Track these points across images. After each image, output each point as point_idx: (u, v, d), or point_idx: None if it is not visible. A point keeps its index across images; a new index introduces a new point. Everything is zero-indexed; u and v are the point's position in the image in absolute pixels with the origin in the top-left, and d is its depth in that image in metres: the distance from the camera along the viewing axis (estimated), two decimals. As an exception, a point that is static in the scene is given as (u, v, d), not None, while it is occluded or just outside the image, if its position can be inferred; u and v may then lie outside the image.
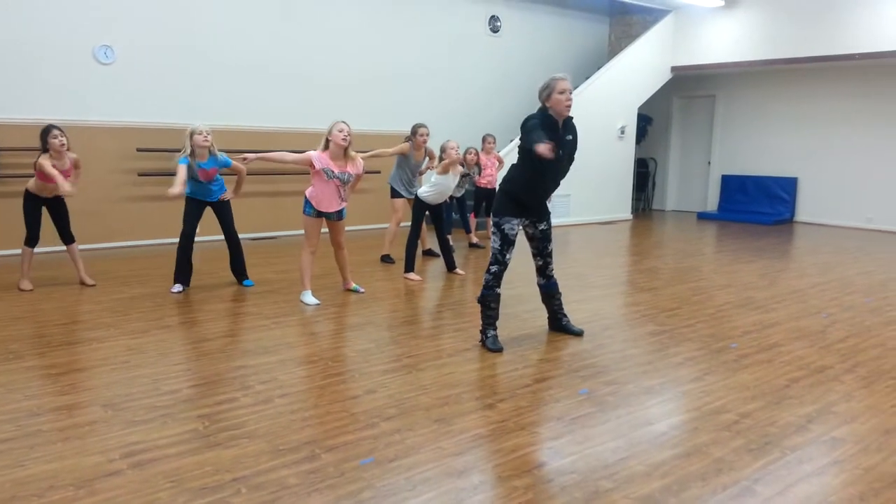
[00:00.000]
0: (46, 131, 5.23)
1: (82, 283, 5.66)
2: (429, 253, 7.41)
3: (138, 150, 7.57)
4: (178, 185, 5.09)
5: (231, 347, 4.20)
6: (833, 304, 5.55)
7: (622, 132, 11.09)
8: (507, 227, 4.16)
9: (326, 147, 5.05)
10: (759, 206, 11.39)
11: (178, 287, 5.53)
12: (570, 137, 4.11)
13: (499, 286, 4.25)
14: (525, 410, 3.31)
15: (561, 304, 4.59)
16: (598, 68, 10.93)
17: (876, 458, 2.88)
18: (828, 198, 10.83)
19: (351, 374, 3.77)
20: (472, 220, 8.35)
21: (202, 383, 3.58)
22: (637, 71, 11.03)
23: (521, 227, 4.24)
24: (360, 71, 9.27)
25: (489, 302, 4.25)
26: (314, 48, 8.88)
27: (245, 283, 5.85)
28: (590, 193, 10.43)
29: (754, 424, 3.19)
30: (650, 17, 11.43)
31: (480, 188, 8.17)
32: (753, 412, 3.33)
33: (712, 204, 12.28)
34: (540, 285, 4.56)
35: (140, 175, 7.65)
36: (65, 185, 5.16)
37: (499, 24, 10.76)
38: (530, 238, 4.41)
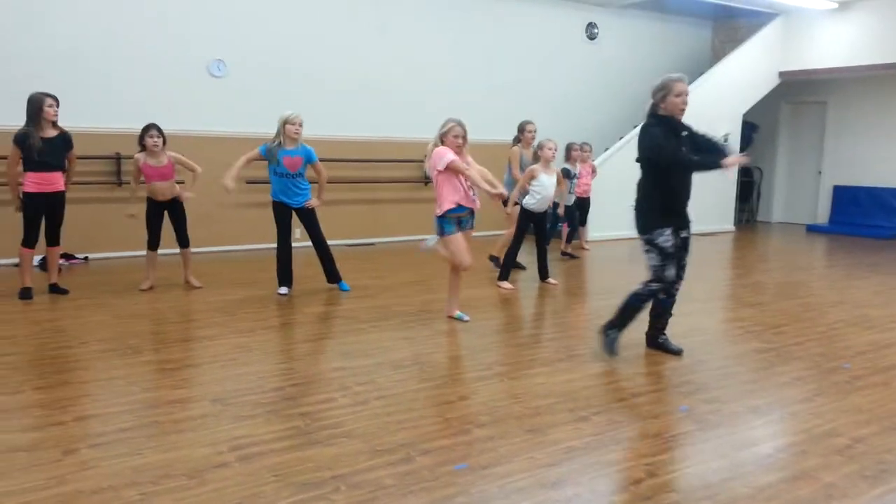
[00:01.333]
0: (145, 130, 5.60)
1: (188, 284, 5.99)
2: (517, 265, 7.32)
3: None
4: (230, 179, 5.38)
5: (331, 349, 4.35)
6: (961, 326, 5.12)
7: (726, 140, 10.64)
8: (661, 240, 3.95)
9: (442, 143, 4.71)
10: (873, 219, 10.66)
11: (283, 289, 5.73)
12: (686, 133, 4.01)
13: (648, 302, 4.12)
14: (621, 425, 3.24)
15: (667, 323, 4.35)
16: (701, 74, 10.57)
17: None
18: (955, 210, 10.01)
19: (444, 379, 3.82)
20: (564, 230, 8.25)
21: (303, 382, 3.72)
22: (742, 76, 10.60)
23: (674, 238, 4.01)
24: (459, 82, 9.38)
25: (631, 311, 4.12)
26: (408, 61, 9.07)
27: (341, 286, 5.96)
28: (690, 203, 10.05)
29: (869, 450, 2.99)
30: (756, 21, 10.96)
31: (575, 197, 8.07)
32: (868, 437, 3.13)
33: (823, 216, 11.60)
34: (657, 300, 4.22)
35: (248, 183, 8.05)
36: (185, 193, 5.57)
37: (596, 30, 10.62)
38: None
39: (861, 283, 6.83)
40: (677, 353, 4.28)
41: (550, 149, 6.01)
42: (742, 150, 11.23)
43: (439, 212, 4.70)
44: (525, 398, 3.56)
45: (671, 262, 3.97)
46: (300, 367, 3.99)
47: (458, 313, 4.98)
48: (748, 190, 12.39)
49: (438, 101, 9.23)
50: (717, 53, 11.63)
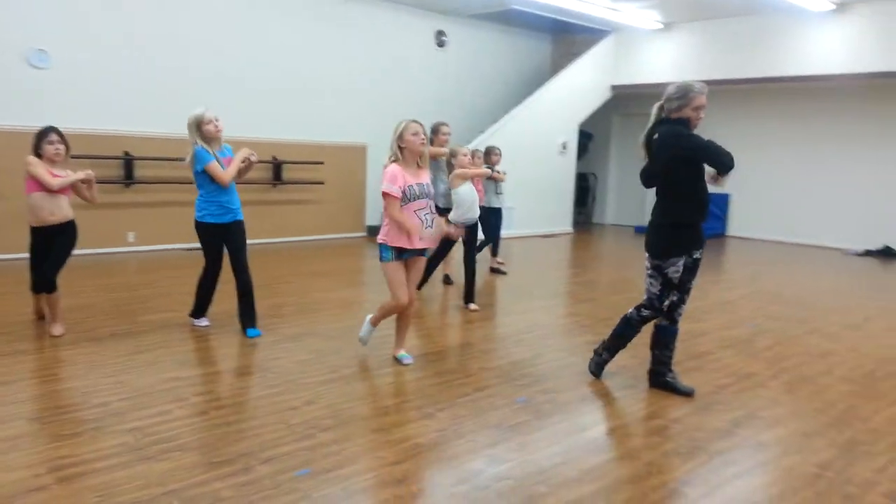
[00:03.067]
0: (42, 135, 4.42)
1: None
2: (448, 281, 6.71)
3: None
4: (230, 172, 4.49)
5: (166, 359, 4.10)
6: (760, 314, 5.79)
7: (564, 147, 11.34)
8: (670, 270, 3.59)
9: (397, 158, 3.86)
10: (693, 220, 11.78)
11: (204, 321, 4.83)
12: None
13: (639, 329, 3.84)
14: (464, 419, 3.34)
15: (672, 356, 3.83)
16: (541, 85, 11.16)
17: (796, 459, 3.02)
18: (758, 213, 11.30)
19: (289, 385, 3.73)
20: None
21: (134, 396, 3.48)
22: (578, 89, 11.32)
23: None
24: (306, 81, 9.22)
25: (623, 338, 3.87)
26: (260, 59, 8.80)
27: (250, 332, 4.62)
28: (532, 206, 10.59)
29: (683, 430, 3.30)
30: (591, 37, 11.74)
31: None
32: (683, 418, 3.45)
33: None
34: (658, 328, 3.80)
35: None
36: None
37: (445, 38, 10.88)
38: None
39: (680, 279, 7.50)
40: (689, 393, 3.74)
41: (465, 155, 5.31)
42: (578, 157, 12.01)
43: (379, 238, 3.95)
44: (372, 399, 3.57)
45: (671, 292, 3.65)
46: (130, 379, 3.73)
47: (400, 354, 4.19)
48: (584, 194, 13.25)
49: (289, 101, 9.03)
50: (555, 66, 12.32)
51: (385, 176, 3.84)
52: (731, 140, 11.38)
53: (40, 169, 4.31)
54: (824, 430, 3.33)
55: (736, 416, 3.49)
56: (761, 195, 11.21)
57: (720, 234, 11.59)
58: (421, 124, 3.88)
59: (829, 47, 9.39)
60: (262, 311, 4.96)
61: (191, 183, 4.58)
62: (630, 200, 13.11)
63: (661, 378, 3.82)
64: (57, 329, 4.50)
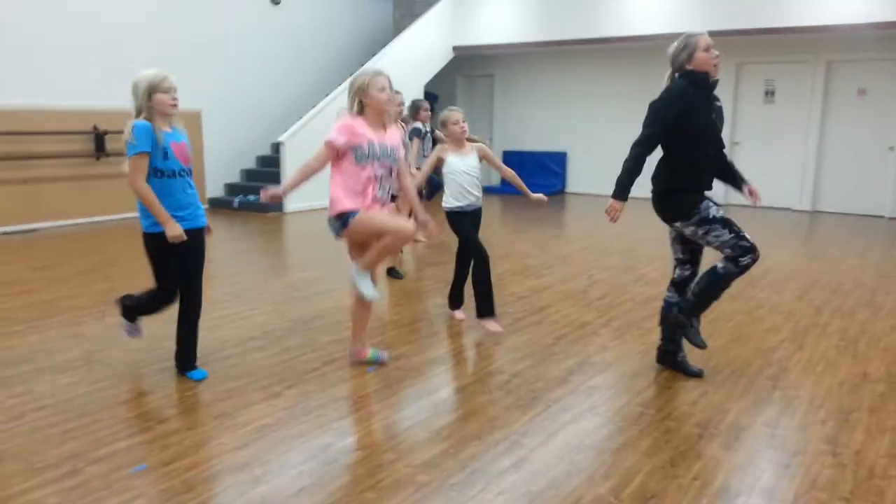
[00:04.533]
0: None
1: None
2: (394, 273, 5.77)
3: None
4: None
5: (-25, 360, 3.69)
6: (594, 266, 6.19)
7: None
8: (712, 211, 3.24)
9: (361, 112, 3.39)
10: (535, 179, 12.30)
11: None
12: (719, 103, 3.42)
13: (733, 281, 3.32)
14: (313, 394, 3.30)
15: (690, 330, 3.48)
16: (383, 46, 11.04)
17: (624, 400, 3.28)
18: (592, 170, 11.99)
19: (122, 377, 3.50)
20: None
21: (-64, 405, 3.11)
22: (421, 50, 11.30)
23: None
24: (129, 41, 8.46)
25: (718, 289, 3.34)
26: (69, 17, 7.95)
27: (192, 374, 3.50)
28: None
29: (523, 382, 3.48)
30: (430, -3, 11.74)
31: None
32: (523, 371, 3.64)
33: (495, 178, 13.04)
34: (671, 304, 3.52)
35: None
36: None
37: (279, -5, 10.41)
38: (684, 240, 3.46)
39: (524, 236, 7.85)
40: (698, 374, 3.55)
41: (456, 122, 4.23)
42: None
43: (332, 212, 3.38)
44: (214, 382, 3.43)
45: (736, 225, 3.25)
46: (-68, 386, 3.33)
47: (370, 353, 3.72)
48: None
49: (104, 62, 8.24)
50: (397, 27, 12.21)
51: (335, 125, 3.33)
52: (567, 99, 12.01)
53: None
54: (647, 371, 3.64)
55: (571, 365, 3.73)
56: (594, 152, 11.88)
57: (560, 191, 12.20)
58: (388, 77, 3.39)
59: (652, 9, 10.02)
60: (91, 299, 4.58)
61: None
62: (476, 160, 13.42)
63: (673, 357, 3.60)
64: None
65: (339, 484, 2.52)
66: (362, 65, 10.56)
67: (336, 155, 3.33)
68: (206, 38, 9.43)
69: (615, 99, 11.59)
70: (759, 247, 3.27)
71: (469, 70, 12.78)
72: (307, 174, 3.33)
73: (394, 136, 3.48)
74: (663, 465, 2.67)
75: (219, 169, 9.94)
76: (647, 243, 7.35)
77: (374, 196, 3.38)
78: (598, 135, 11.78)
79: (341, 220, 3.34)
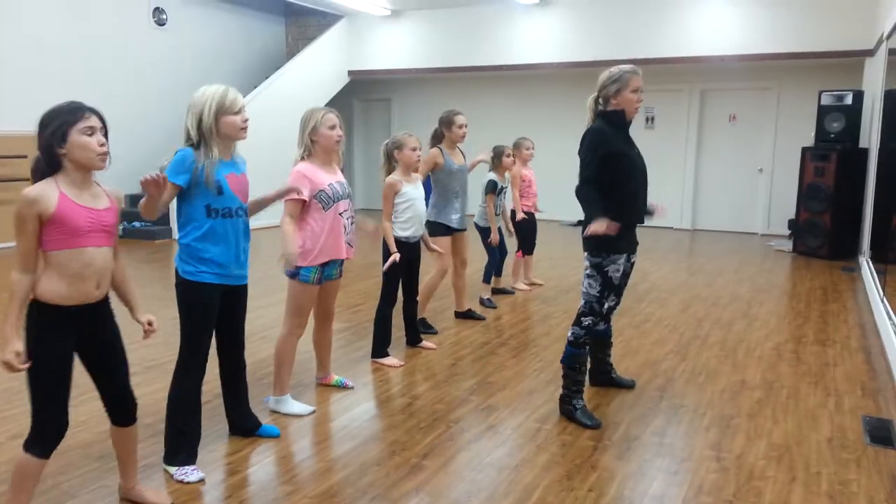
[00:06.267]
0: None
1: None
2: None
3: None
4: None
5: None
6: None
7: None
8: (611, 268, 3.25)
9: (309, 154, 3.35)
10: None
11: (197, 468, 2.77)
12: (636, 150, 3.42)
13: (588, 344, 3.38)
14: (206, 429, 3.14)
15: (610, 353, 3.76)
16: (277, 69, 10.88)
17: (521, 418, 3.34)
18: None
19: (-11, 419, 3.21)
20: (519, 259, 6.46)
21: None
22: (315, 74, 11.21)
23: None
24: (7, 57, 7.91)
25: (577, 364, 3.31)
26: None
27: (265, 429, 3.12)
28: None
29: (425, 404, 3.48)
30: (325, 21, 11.70)
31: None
32: (424, 393, 3.63)
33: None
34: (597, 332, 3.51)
35: None
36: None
37: (164, 16, 10.05)
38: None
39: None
40: (631, 386, 3.74)
41: (414, 149, 4.32)
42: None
43: (303, 262, 3.27)
44: (93, 423, 3.20)
45: (611, 294, 3.35)
46: None
47: (336, 378, 3.74)
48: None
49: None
50: (291, 50, 12.08)
51: (290, 178, 3.27)
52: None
53: None
54: (543, 388, 3.73)
55: (470, 385, 3.76)
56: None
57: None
58: (337, 115, 3.40)
59: (536, 38, 10.42)
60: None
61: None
62: (374, 184, 13.43)
63: (607, 375, 3.74)
64: None
65: (233, 521, 2.40)
66: (255, 87, 10.36)
67: (301, 207, 3.26)
68: (83, 60, 8.95)
69: (506, 125, 11.92)
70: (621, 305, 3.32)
71: (366, 94, 12.80)
72: (292, 230, 3.24)
73: (339, 173, 3.46)
74: (560, 478, 2.73)
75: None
76: (544, 262, 7.56)
77: (344, 240, 3.40)
78: (494, 158, 12.05)
79: (300, 273, 3.29)
